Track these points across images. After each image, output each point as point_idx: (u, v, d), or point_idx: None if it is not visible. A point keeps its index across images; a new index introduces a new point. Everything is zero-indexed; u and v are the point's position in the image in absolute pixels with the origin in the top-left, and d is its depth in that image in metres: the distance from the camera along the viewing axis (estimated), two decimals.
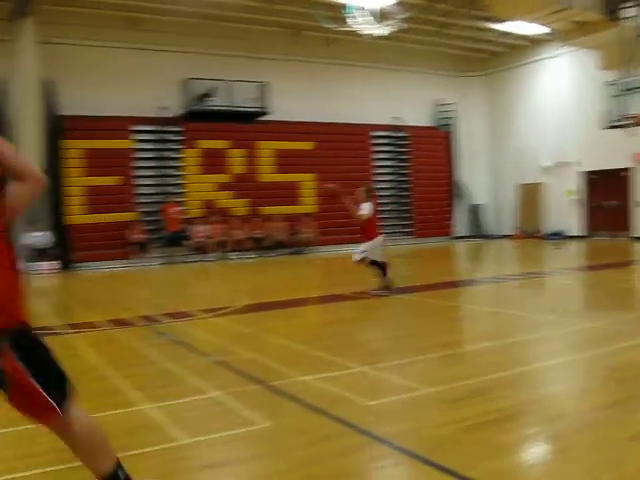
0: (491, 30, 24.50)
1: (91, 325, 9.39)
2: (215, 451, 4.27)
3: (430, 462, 3.79)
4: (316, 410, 4.84)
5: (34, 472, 3.93)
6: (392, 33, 20.06)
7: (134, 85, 21.91)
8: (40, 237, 19.56)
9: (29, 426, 4.74)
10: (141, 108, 21.92)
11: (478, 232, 28.44)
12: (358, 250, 11.58)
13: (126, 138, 22.05)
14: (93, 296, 14.36)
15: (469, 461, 3.79)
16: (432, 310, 10.01)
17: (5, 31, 19.37)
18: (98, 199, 21.10)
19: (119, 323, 9.41)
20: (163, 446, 4.27)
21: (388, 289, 11.43)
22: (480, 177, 29.27)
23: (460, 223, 28.54)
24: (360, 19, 18.18)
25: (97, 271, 19.61)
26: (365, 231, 11.59)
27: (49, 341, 7.90)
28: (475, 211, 28.92)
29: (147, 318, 9.82)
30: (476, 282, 14.11)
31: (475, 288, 13.21)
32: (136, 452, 4.13)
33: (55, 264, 19.57)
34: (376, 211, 11.46)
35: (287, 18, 22.66)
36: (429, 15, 22.49)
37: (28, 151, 19.46)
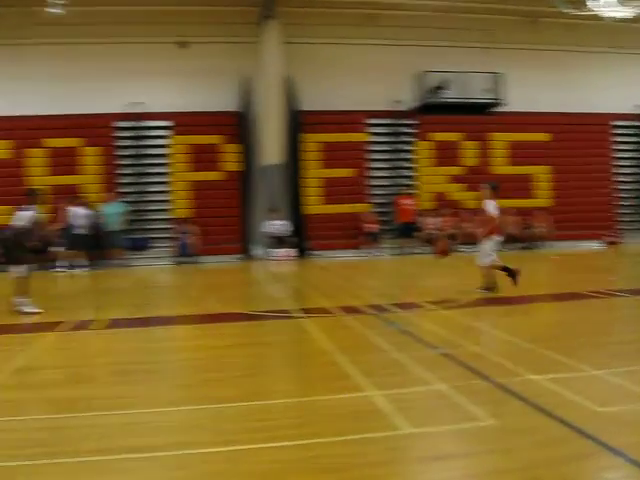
0: None
1: (323, 310, 9.85)
2: (437, 444, 4.29)
3: None
4: (543, 411, 4.70)
5: (255, 446, 4.15)
6: (637, 14, 18.69)
7: (369, 79, 22.44)
8: (280, 225, 20.83)
9: (254, 402, 5.13)
10: (375, 102, 22.44)
11: None
12: (482, 253, 11.11)
13: (361, 131, 22.76)
14: (326, 283, 15.01)
15: None
16: None
17: (253, 34, 20.88)
18: (333, 190, 22.00)
19: (349, 310, 9.75)
20: (386, 434, 4.35)
21: (490, 289, 10.86)
22: None
23: None
24: (602, 1, 17.15)
25: (330, 259, 20.44)
26: (484, 229, 11.06)
27: (286, 324, 8.37)
28: None
29: (376, 307, 10.04)
30: None
31: None
32: (359, 437, 4.28)
33: (292, 251, 20.69)
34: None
35: (525, 6, 21.99)
36: None
37: (272, 144, 20.82)
